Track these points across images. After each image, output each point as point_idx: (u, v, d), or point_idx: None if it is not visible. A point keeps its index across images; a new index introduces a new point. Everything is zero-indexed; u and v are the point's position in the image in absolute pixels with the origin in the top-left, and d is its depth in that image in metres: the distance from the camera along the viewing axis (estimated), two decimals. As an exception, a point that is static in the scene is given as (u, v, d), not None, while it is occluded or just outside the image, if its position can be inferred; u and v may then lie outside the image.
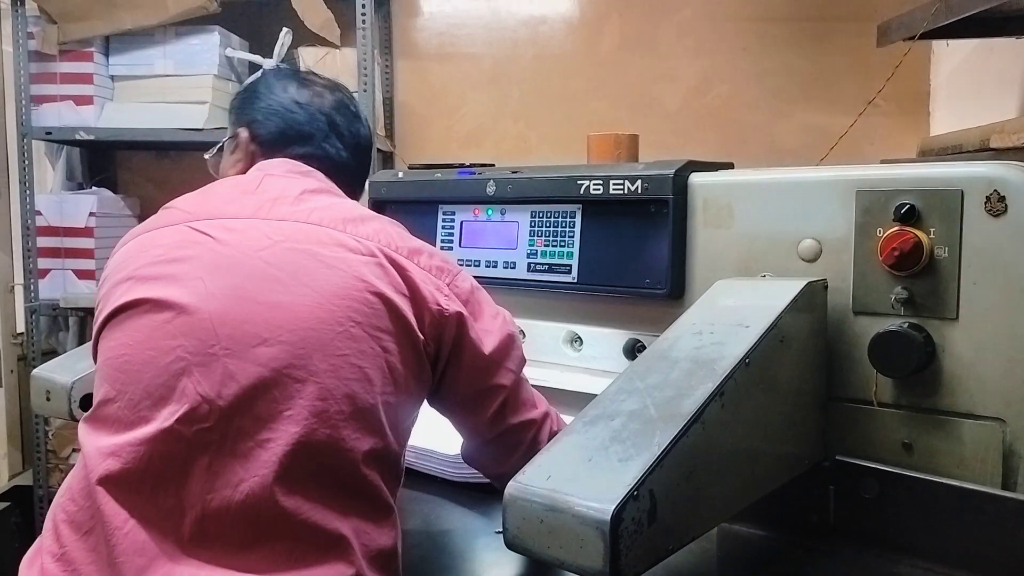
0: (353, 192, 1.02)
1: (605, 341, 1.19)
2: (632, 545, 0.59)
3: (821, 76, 2.32)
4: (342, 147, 1.00)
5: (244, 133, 1.00)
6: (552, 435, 0.92)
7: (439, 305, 0.83)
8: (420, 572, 0.91)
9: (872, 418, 0.91)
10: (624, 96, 2.40)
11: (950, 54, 2.24)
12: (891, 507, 0.85)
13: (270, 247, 0.82)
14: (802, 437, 0.87)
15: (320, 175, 0.95)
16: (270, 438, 0.75)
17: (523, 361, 0.93)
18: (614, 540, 0.57)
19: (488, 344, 0.87)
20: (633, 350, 1.20)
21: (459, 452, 1.02)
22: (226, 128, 1.06)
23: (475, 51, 2.47)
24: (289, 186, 0.89)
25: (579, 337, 1.22)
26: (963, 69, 2.23)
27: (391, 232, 0.86)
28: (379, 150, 2.26)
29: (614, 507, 0.58)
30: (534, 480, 0.63)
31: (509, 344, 0.90)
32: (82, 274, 2.22)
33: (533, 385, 0.97)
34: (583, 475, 0.62)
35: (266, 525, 0.75)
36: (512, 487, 0.63)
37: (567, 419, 1.13)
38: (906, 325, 0.87)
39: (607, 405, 0.73)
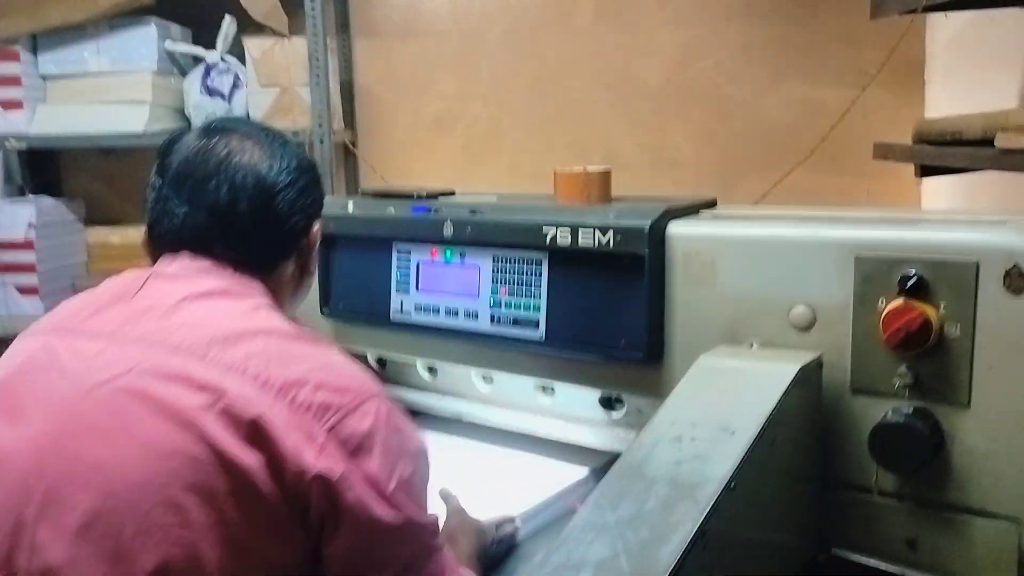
0: (273, 263, 0.82)
1: (579, 393, 1.09)
2: None
3: (810, 47, 2.17)
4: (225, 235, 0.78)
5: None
6: None
7: (300, 466, 0.65)
8: None
9: (872, 509, 0.82)
10: (601, 73, 2.24)
11: (948, 23, 2.08)
12: (893, 614, 0.77)
13: (107, 383, 0.68)
14: (795, 529, 0.78)
15: (225, 271, 0.78)
16: None
17: (434, 527, 0.74)
18: None
19: (380, 509, 0.68)
20: (611, 401, 1.11)
21: None
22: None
23: (441, 27, 2.29)
24: (170, 291, 0.75)
25: (551, 387, 1.12)
26: (962, 39, 2.08)
27: (272, 355, 0.70)
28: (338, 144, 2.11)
29: None
30: None
31: (414, 512, 0.71)
32: (25, 290, 2.07)
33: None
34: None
35: None
36: None
37: (558, 467, 0.98)
38: (911, 411, 0.78)
39: (572, 549, 0.64)
